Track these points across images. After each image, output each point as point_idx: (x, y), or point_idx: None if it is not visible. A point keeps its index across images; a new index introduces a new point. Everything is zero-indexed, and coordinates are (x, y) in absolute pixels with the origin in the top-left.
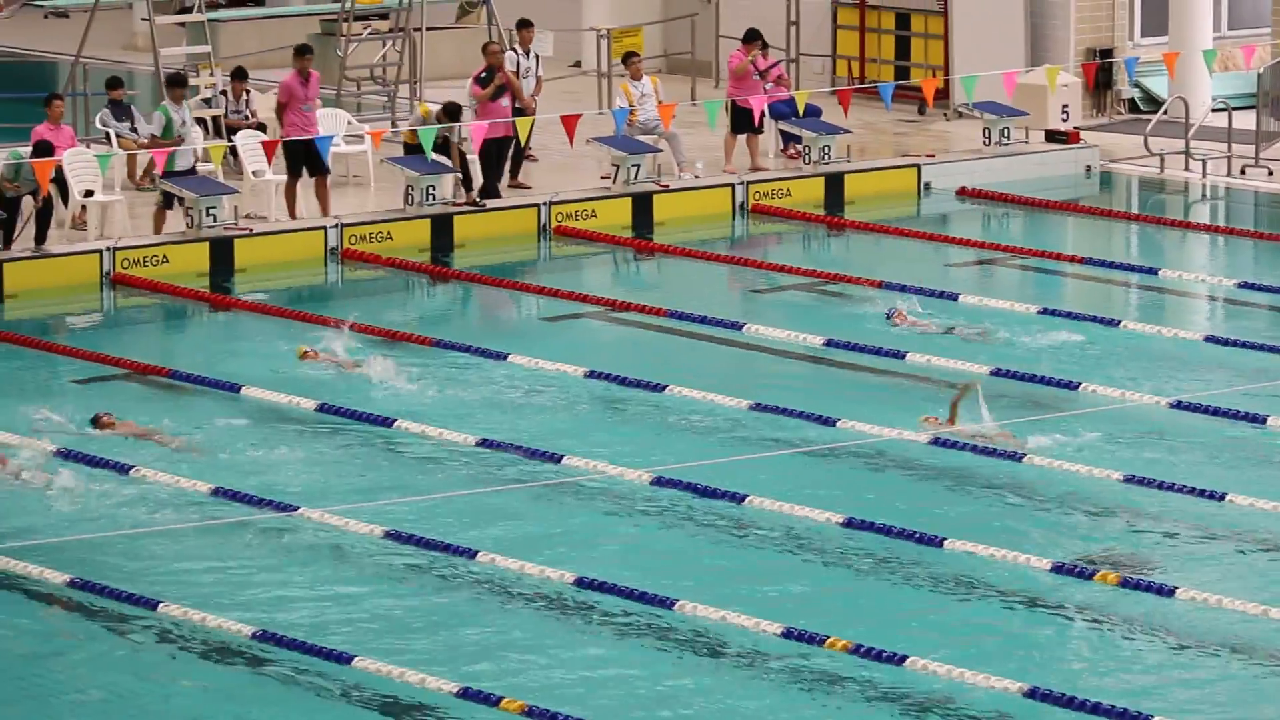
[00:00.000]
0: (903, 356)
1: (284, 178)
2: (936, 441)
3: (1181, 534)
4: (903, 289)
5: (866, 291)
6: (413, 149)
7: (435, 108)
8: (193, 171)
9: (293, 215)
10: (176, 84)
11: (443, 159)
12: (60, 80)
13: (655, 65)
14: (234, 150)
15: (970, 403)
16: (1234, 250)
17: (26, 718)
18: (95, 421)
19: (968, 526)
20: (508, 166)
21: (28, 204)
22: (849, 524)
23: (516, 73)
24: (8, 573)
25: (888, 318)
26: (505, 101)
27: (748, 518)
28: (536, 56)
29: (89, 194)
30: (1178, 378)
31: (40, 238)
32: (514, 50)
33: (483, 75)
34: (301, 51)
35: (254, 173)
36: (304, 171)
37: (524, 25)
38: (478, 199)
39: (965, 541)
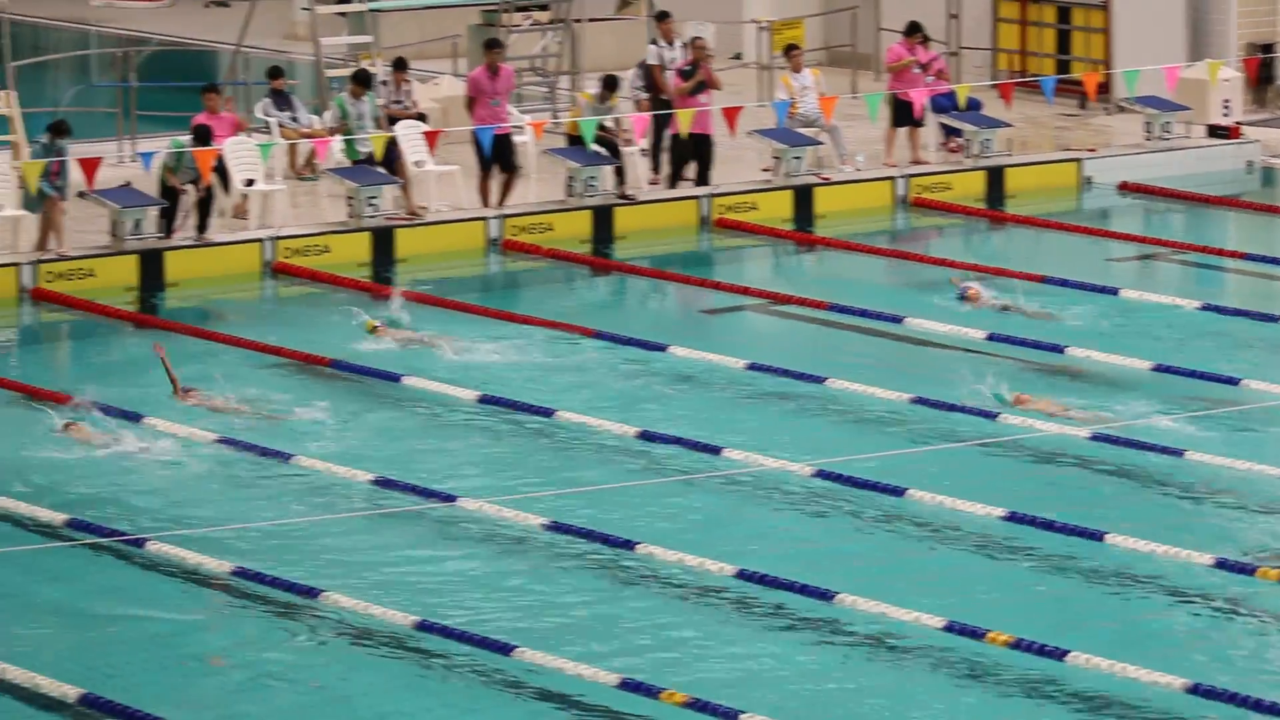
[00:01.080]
0: (1062, 350)
1: (447, 168)
2: (1098, 436)
3: None
4: (1063, 284)
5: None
6: (576, 140)
7: (595, 92)
8: (370, 161)
9: (485, 205)
10: (359, 80)
11: (603, 149)
12: (221, 69)
13: (816, 57)
14: (395, 141)
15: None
16: None
17: (184, 704)
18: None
19: (1129, 521)
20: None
21: (190, 193)
22: (1010, 518)
23: (660, 66)
24: (171, 560)
25: (960, 297)
26: (705, 98)
27: (908, 511)
28: (684, 47)
29: (250, 183)
30: None
31: (202, 226)
32: (655, 44)
33: (686, 69)
34: (490, 45)
35: (415, 163)
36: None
37: (663, 17)
38: (629, 192)
39: (1127, 536)
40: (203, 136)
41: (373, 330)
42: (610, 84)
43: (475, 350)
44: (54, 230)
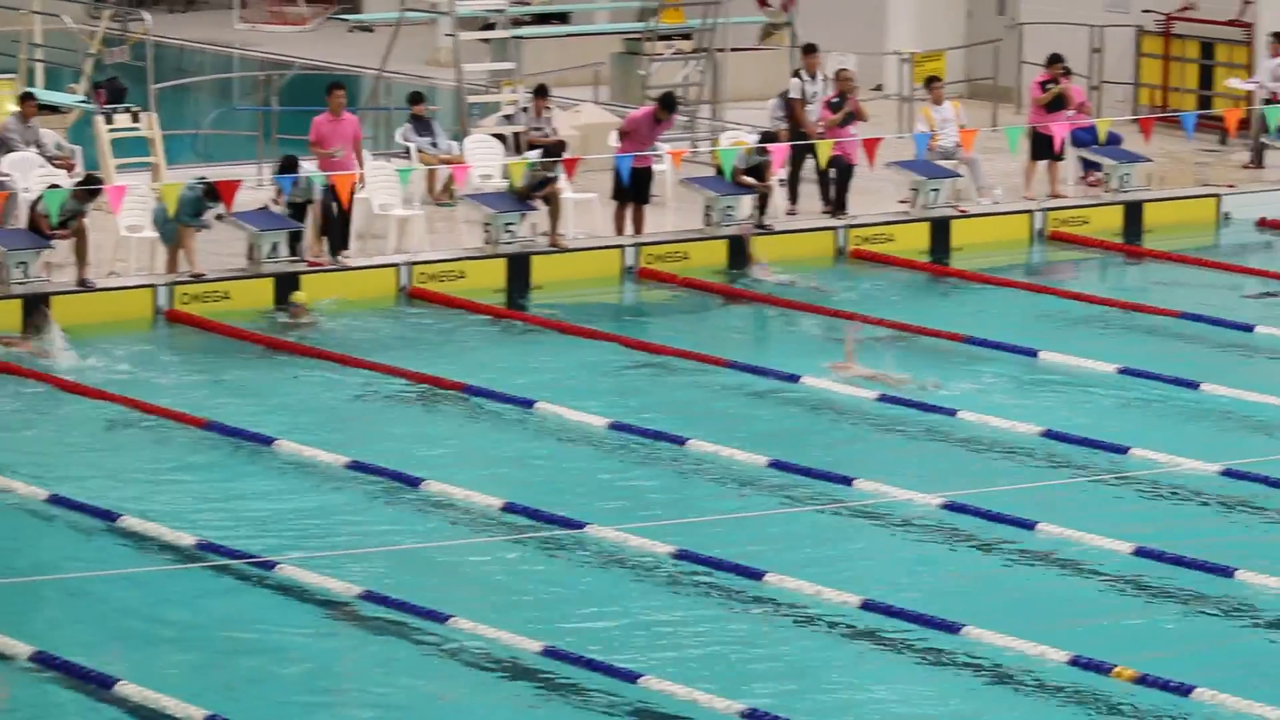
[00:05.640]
0: (1196, 386)
1: (585, 195)
2: (1229, 472)
3: None
4: (1197, 319)
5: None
6: (718, 170)
7: (752, 141)
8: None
9: (619, 233)
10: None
11: (751, 180)
12: (362, 94)
13: (957, 90)
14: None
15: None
16: None
17: None
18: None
19: (1259, 556)
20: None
21: (311, 212)
22: (1139, 553)
23: (801, 100)
24: (298, 583)
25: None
26: (854, 129)
27: (1037, 544)
28: (825, 80)
29: (383, 207)
30: None
31: (335, 249)
32: (799, 76)
33: (834, 101)
34: (667, 104)
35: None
36: (629, 197)
37: (809, 50)
38: (766, 222)
39: (1256, 573)
40: (290, 166)
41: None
42: (770, 140)
43: (606, 377)
44: (185, 253)
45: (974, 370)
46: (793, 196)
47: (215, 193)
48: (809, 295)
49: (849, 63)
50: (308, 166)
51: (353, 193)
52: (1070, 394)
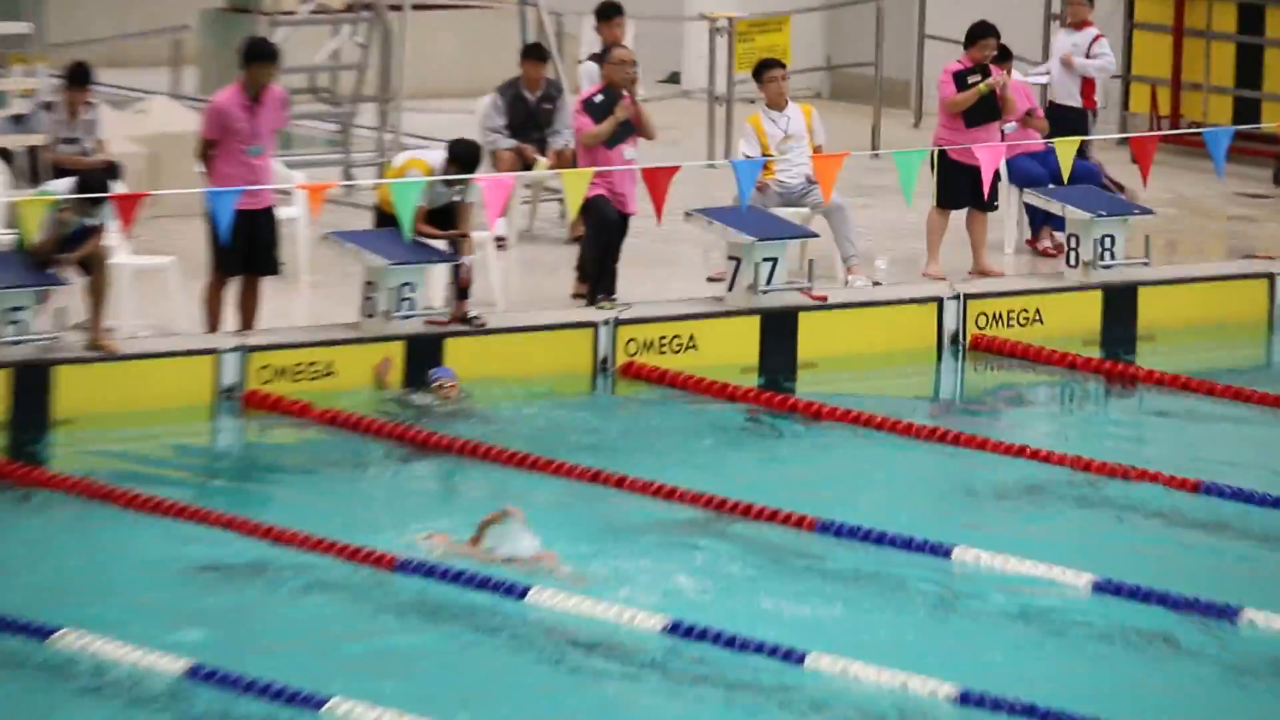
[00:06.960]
0: (1235, 616)
1: (154, 260)
2: None
3: None
4: (1239, 496)
5: None
6: (387, 220)
7: (436, 160)
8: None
9: (213, 328)
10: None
11: (436, 233)
12: None
13: (811, 84)
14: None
15: (507, 529)
16: None
17: None
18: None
19: None
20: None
21: None
22: None
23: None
24: None
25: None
26: (630, 151)
27: None
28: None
29: None
30: None
31: None
32: (596, 59)
33: (596, 100)
34: (257, 54)
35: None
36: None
37: (610, 13)
38: (472, 315)
39: None
40: None
41: None
42: (466, 159)
43: (179, 583)
44: None
45: (836, 583)
46: (583, 273)
47: None
48: (540, 436)
49: (628, 36)
50: None
51: None
52: (1009, 624)
